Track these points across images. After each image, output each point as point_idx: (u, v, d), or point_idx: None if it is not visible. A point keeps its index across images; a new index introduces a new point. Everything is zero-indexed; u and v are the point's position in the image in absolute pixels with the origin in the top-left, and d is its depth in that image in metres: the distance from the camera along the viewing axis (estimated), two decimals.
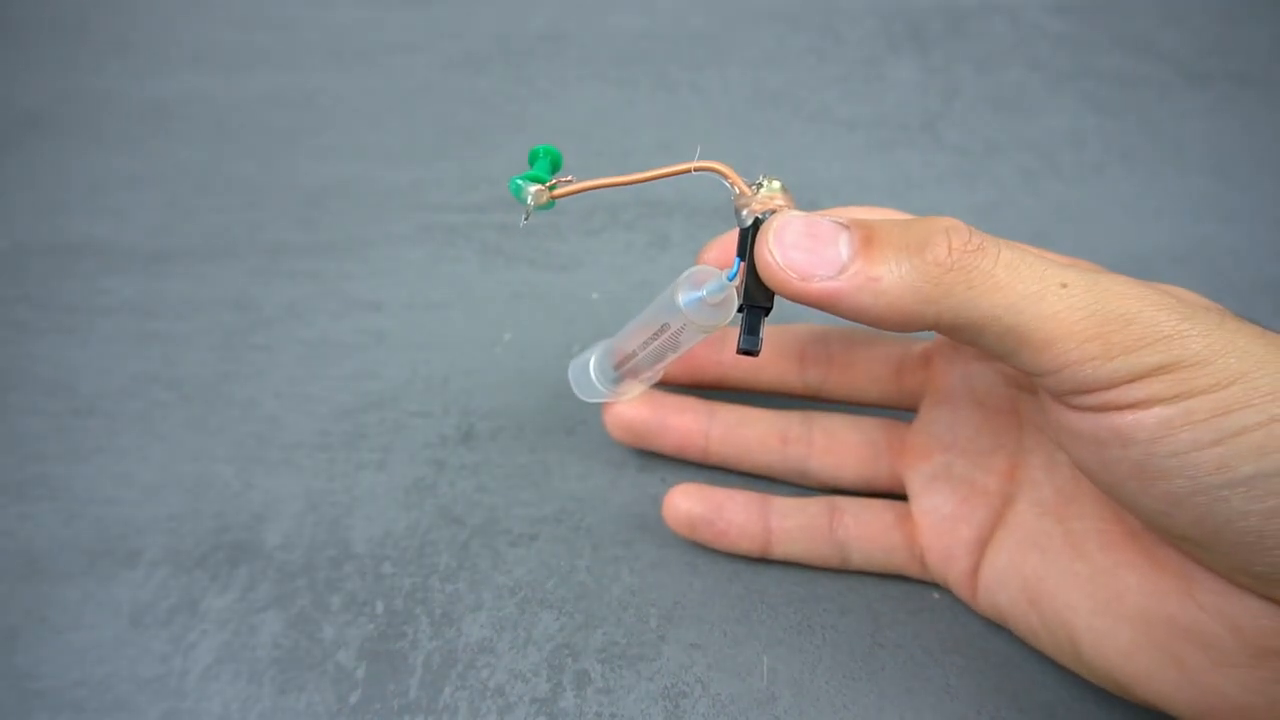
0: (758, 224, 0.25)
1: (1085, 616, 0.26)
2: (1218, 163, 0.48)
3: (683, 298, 0.26)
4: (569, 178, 0.27)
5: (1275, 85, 0.52)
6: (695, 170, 0.26)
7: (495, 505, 0.35)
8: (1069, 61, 0.54)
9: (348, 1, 0.60)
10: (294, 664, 0.31)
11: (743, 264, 0.25)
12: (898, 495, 0.32)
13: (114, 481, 0.36)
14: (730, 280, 0.25)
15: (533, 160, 0.26)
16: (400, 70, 0.55)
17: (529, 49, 0.56)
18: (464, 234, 0.45)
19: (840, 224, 0.24)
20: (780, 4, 0.59)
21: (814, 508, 0.32)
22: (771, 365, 0.34)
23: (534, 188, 0.26)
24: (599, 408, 0.35)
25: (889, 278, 0.22)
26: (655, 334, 0.28)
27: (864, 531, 0.31)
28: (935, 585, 0.32)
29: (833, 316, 0.24)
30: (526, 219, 0.27)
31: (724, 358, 0.34)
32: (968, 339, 0.23)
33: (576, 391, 0.33)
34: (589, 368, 0.32)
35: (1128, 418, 0.21)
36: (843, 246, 0.23)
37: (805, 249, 0.23)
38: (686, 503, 0.32)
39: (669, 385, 0.35)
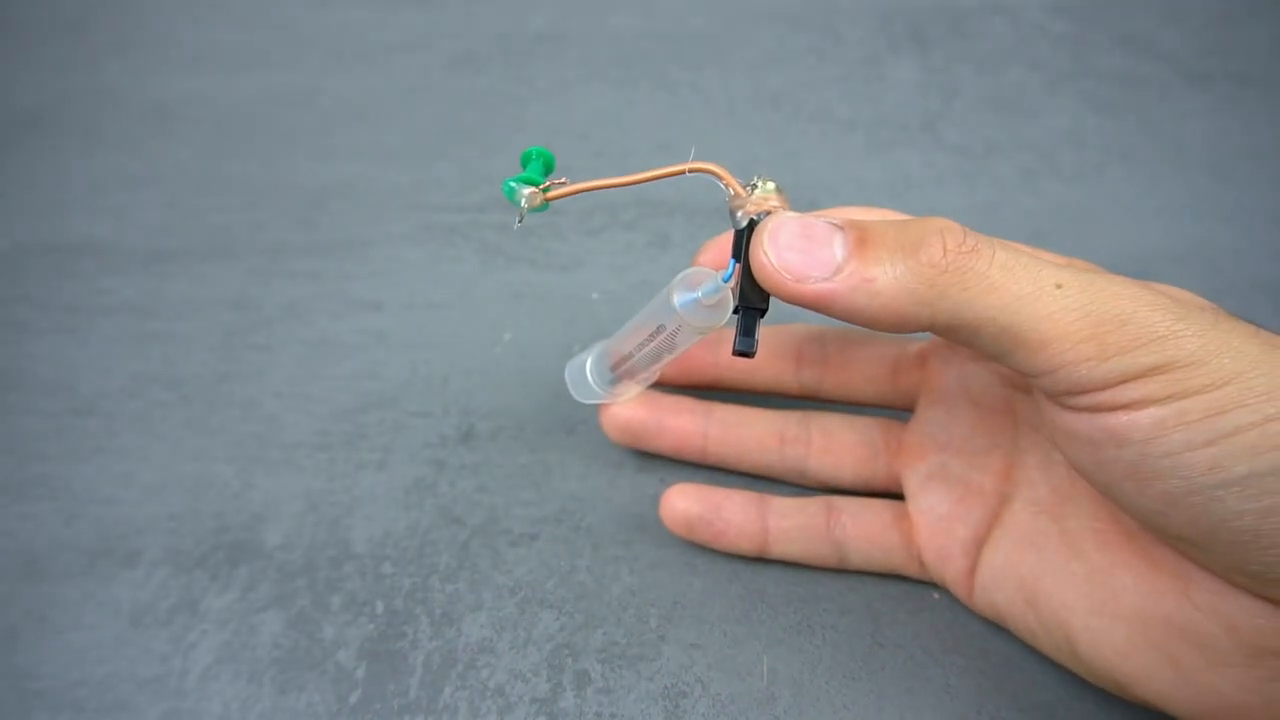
0: (753, 225, 0.25)
1: (1081, 616, 0.26)
2: (1218, 163, 0.48)
3: (678, 299, 0.26)
4: (563, 179, 0.27)
5: (1275, 85, 0.52)
6: (690, 171, 0.26)
7: (495, 505, 0.35)
8: (1069, 61, 0.54)
9: (348, 1, 0.60)
10: (294, 664, 0.31)
11: (738, 265, 0.25)
12: (896, 495, 0.32)
13: (114, 481, 0.36)
14: (725, 281, 0.25)
15: (525, 162, 0.26)
16: (400, 70, 0.55)
17: (529, 49, 0.56)
18: (464, 234, 0.45)
19: (835, 225, 0.24)
20: (780, 4, 0.59)
21: (812, 507, 0.32)
22: (768, 366, 0.34)
23: (527, 190, 0.26)
24: (598, 408, 0.35)
25: (884, 279, 0.23)
26: (651, 335, 0.28)
27: (862, 531, 0.31)
28: (934, 585, 0.32)
29: (828, 317, 0.24)
30: (520, 221, 0.27)
31: (720, 359, 0.34)
32: (963, 340, 0.23)
33: (573, 393, 0.33)
34: (586, 369, 0.32)
35: (1122, 418, 0.21)
36: (837, 247, 0.23)
37: (800, 250, 0.23)
38: (684, 503, 0.32)
39: (666, 386, 0.35)
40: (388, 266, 0.44)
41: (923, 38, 0.56)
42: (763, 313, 0.25)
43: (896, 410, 0.34)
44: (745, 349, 0.25)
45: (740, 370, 0.34)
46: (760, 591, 0.33)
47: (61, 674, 0.31)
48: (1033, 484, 0.29)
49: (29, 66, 0.55)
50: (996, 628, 0.31)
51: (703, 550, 0.34)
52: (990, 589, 0.29)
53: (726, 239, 0.30)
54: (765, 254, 0.24)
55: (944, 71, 0.54)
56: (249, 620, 0.32)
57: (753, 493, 0.33)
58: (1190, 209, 0.45)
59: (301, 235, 0.45)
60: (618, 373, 0.31)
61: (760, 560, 0.33)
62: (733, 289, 0.25)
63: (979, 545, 0.29)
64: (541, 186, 0.26)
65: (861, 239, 0.23)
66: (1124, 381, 0.21)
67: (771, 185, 0.26)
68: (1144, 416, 0.21)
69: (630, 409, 0.34)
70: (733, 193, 0.26)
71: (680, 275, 0.26)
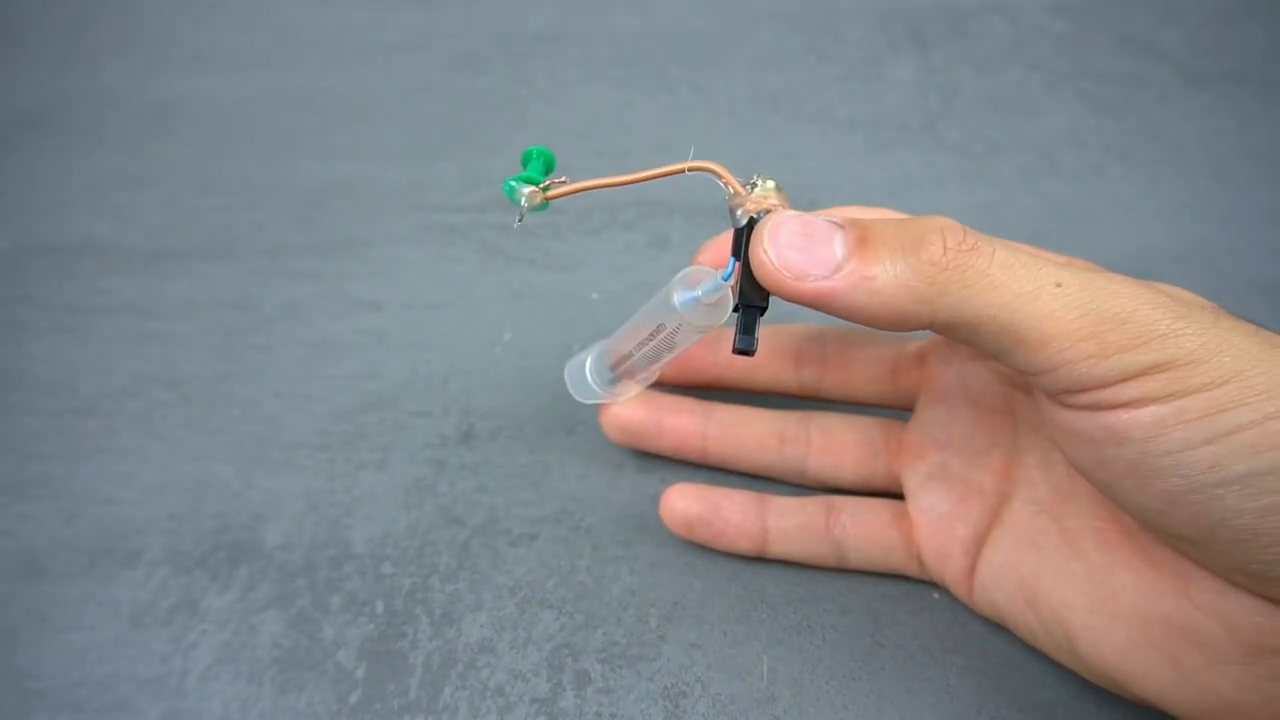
0: (752, 223, 0.25)
1: (1081, 615, 0.26)
2: (1217, 162, 0.48)
3: (678, 298, 0.26)
4: (563, 178, 0.27)
5: (1274, 85, 0.52)
6: (689, 170, 0.26)
7: (495, 505, 0.35)
8: (1069, 61, 0.54)
9: (348, 1, 0.60)
10: (294, 664, 0.31)
11: (738, 264, 0.25)
12: (895, 494, 0.32)
13: (114, 481, 0.36)
14: (725, 280, 0.25)
15: (525, 161, 0.27)
16: (400, 70, 0.55)
17: (529, 49, 0.56)
18: (464, 234, 0.45)
19: (835, 223, 0.24)
20: (780, 4, 0.59)
21: (811, 507, 0.32)
22: (767, 365, 0.34)
23: (527, 189, 0.26)
24: (598, 408, 0.35)
25: (884, 277, 0.23)
26: (651, 334, 0.28)
27: (861, 530, 0.31)
28: (934, 585, 0.32)
29: (828, 316, 0.24)
30: (520, 220, 0.27)
31: (720, 358, 0.34)
32: (963, 338, 0.23)
33: (573, 393, 0.33)
34: (585, 369, 0.32)
35: (1122, 416, 0.21)
36: (837, 246, 0.23)
37: (800, 248, 0.23)
38: (683, 502, 0.32)
39: (665, 386, 0.35)
40: (388, 266, 0.44)
41: (923, 38, 0.56)
42: (762, 311, 0.25)
43: (896, 410, 0.34)
44: (745, 347, 0.25)
45: (740, 370, 0.34)
46: (760, 591, 0.32)
47: (61, 674, 0.31)
48: (1032, 483, 0.29)
49: (29, 66, 0.55)
50: (996, 628, 0.31)
51: (703, 550, 0.33)
52: (990, 588, 0.29)
53: (726, 238, 0.30)
54: (765, 252, 0.24)
55: (944, 71, 0.54)
56: (249, 620, 0.32)
57: (752, 492, 0.33)
58: (1190, 209, 0.45)
59: (301, 235, 0.45)
60: (617, 372, 0.31)
61: (760, 560, 0.33)
62: (732, 287, 0.25)
63: (979, 544, 0.29)
64: (541, 185, 0.26)
65: (862, 237, 0.23)
66: (1124, 380, 0.21)
67: (771, 184, 0.26)
68: (1144, 415, 0.21)
69: (630, 409, 0.34)
70: (732, 191, 0.26)
71: (680, 274, 0.26)
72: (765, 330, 0.34)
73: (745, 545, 0.32)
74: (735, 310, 0.26)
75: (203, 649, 0.31)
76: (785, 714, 0.30)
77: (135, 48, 0.57)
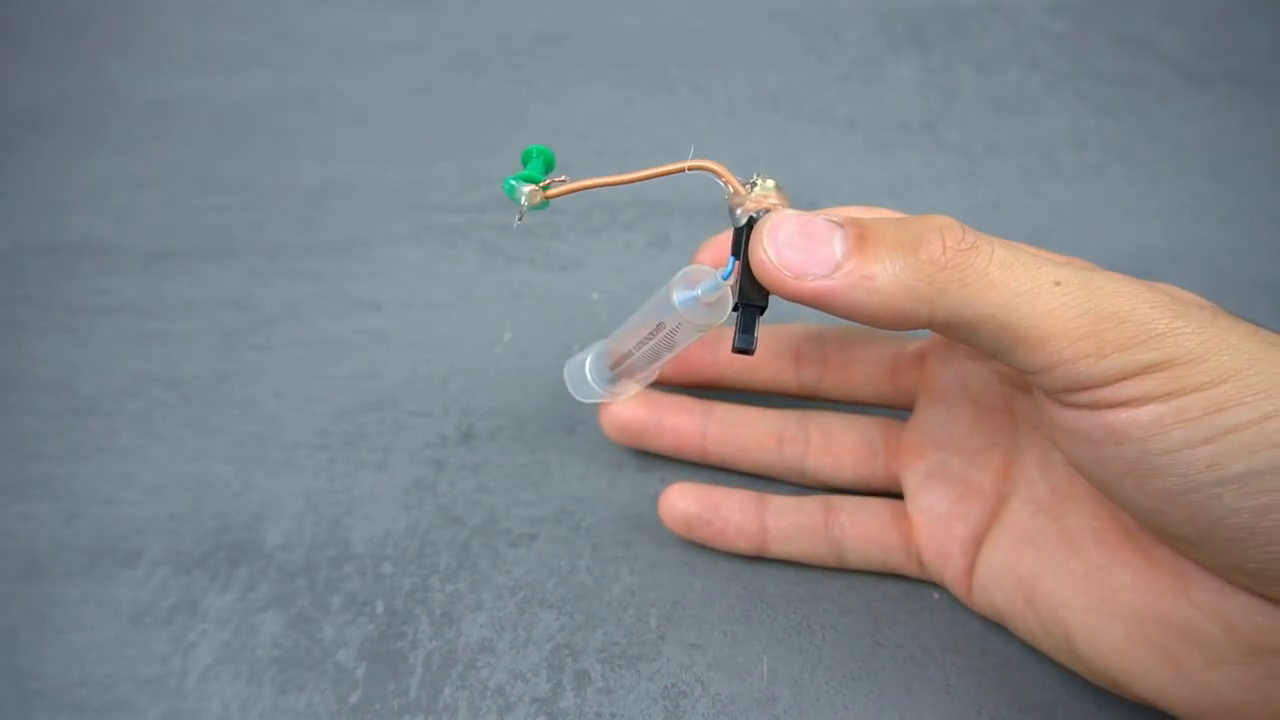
0: (752, 223, 0.25)
1: (1080, 614, 0.26)
2: (1217, 163, 0.48)
3: (678, 297, 0.26)
4: (563, 177, 0.27)
5: (1275, 85, 0.52)
6: (689, 169, 0.26)
7: (495, 505, 0.35)
8: (1069, 61, 0.54)
9: (348, 1, 0.60)
10: (294, 664, 0.31)
11: (737, 263, 0.25)
12: (895, 494, 0.32)
13: (114, 481, 0.36)
14: (725, 279, 0.25)
15: (525, 160, 0.27)
16: (400, 70, 0.55)
17: (529, 49, 0.56)
18: (464, 234, 0.45)
19: (834, 222, 0.24)
20: (780, 4, 0.59)
21: (810, 506, 0.32)
22: (767, 365, 0.34)
23: (527, 188, 0.26)
24: (598, 408, 0.35)
25: (883, 276, 0.23)
26: (650, 334, 0.28)
27: (860, 530, 0.31)
28: (934, 584, 0.32)
29: (828, 315, 0.24)
30: (520, 219, 0.27)
31: (719, 357, 0.34)
32: (962, 337, 0.23)
33: (573, 392, 0.33)
34: (585, 368, 0.32)
35: (1121, 415, 0.21)
36: (837, 245, 0.23)
37: (799, 247, 0.23)
38: (683, 502, 0.32)
39: (665, 385, 0.35)
40: (388, 266, 0.44)
41: (923, 38, 0.56)
42: (762, 310, 0.25)
43: (896, 409, 0.34)
44: (745, 346, 0.25)
45: (739, 369, 0.34)
46: (760, 591, 0.32)
47: (61, 674, 0.31)
48: (1031, 482, 0.29)
49: (29, 66, 0.55)
50: (996, 628, 0.31)
51: (702, 550, 0.33)
52: (989, 588, 0.29)
53: (726, 237, 0.30)
54: (765, 251, 0.24)
55: (944, 71, 0.54)
56: (249, 620, 0.32)
57: (751, 492, 0.33)
58: (1190, 209, 0.45)
59: (301, 235, 0.45)
60: (617, 371, 0.31)
61: (760, 560, 0.33)
62: (732, 286, 0.25)
63: (978, 544, 0.29)
64: (541, 184, 0.26)
65: (861, 236, 0.23)
66: (1123, 378, 0.21)
67: (771, 183, 0.26)
68: (1143, 414, 0.21)
69: (629, 408, 0.34)
70: (732, 190, 0.26)
71: (680, 273, 0.26)
72: (765, 330, 0.34)
73: (744, 545, 0.32)
74: (735, 309, 0.26)
75: (203, 649, 0.31)
76: (785, 714, 0.30)
77: (135, 48, 0.57)
